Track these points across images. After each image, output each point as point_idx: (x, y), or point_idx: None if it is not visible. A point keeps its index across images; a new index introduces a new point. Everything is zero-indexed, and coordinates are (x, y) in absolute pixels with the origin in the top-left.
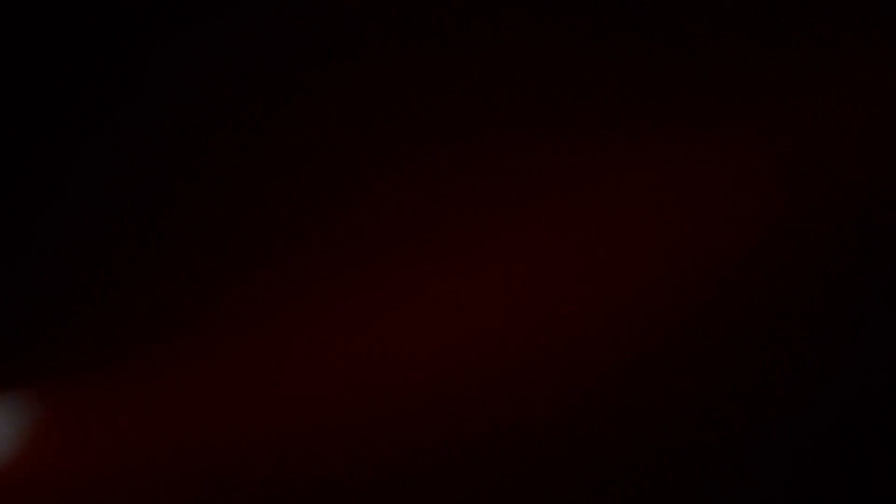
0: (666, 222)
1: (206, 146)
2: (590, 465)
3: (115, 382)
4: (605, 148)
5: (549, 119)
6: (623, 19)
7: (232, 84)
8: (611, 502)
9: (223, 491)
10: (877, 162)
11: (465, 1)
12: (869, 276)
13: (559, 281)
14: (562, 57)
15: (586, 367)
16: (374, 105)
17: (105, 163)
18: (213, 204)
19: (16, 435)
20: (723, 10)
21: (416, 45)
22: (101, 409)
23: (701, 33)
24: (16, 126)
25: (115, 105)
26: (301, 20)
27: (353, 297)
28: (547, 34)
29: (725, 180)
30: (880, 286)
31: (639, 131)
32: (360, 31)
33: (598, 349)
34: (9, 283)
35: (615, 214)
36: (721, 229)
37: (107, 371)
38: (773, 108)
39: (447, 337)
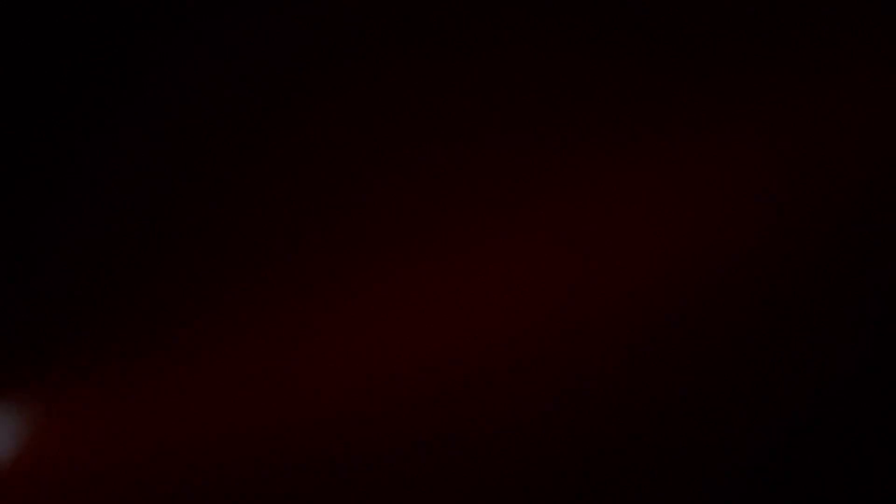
0: (666, 222)
1: (207, 146)
2: (589, 464)
3: (115, 383)
4: (605, 148)
5: (549, 119)
6: (623, 19)
7: (232, 84)
8: (611, 502)
9: (223, 491)
10: (877, 162)
11: (465, 1)
12: (869, 275)
13: (559, 281)
14: (562, 57)
15: (586, 367)
16: (374, 105)
17: (105, 163)
18: (213, 204)
19: (15, 435)
20: (723, 10)
21: (416, 45)
22: (101, 409)
23: (701, 33)
24: (16, 126)
25: (115, 105)
26: (301, 20)
27: (353, 296)
28: (547, 34)
29: (725, 180)
30: (880, 286)
31: (638, 131)
32: (360, 30)
33: (598, 349)
34: (7, 283)
35: (615, 214)
36: (721, 229)
37: (106, 372)
38: (773, 108)
39: (447, 337)
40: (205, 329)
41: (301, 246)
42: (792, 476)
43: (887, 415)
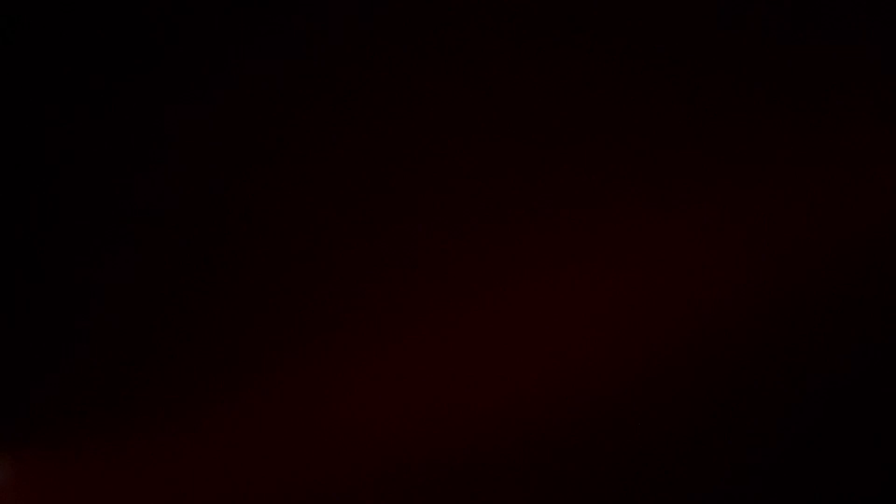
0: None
1: (211, 148)
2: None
3: (106, 444)
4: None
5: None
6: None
7: (232, 83)
8: None
9: None
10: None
11: (465, 1)
12: (872, 283)
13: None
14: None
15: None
16: (379, 108)
17: (107, 173)
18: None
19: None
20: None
21: (415, 45)
22: (86, 474)
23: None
24: (16, 126)
25: (118, 105)
26: (301, 20)
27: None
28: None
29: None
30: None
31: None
32: (359, 30)
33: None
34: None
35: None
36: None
37: (93, 435)
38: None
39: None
40: (202, 393)
41: (343, 280)
42: (792, 476)
43: (887, 415)
